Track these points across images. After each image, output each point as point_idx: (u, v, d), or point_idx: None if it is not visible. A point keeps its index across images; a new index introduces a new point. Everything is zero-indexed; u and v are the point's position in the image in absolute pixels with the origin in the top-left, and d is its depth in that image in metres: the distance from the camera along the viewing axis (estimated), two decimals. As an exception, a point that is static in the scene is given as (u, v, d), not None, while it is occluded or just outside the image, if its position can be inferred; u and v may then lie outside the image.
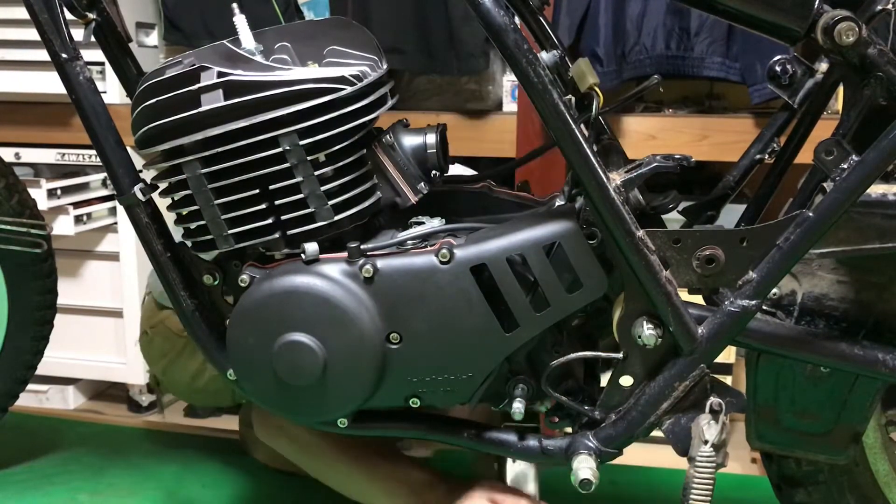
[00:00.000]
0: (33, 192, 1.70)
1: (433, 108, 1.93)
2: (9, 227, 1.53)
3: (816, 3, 0.97)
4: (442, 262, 1.01)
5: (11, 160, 2.00)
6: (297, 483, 1.70)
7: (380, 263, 1.02)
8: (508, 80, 1.91)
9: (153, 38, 2.12)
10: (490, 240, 1.02)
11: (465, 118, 1.90)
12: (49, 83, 1.84)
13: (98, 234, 2.05)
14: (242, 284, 1.06)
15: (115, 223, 2.05)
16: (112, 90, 1.90)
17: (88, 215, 2.01)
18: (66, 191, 1.96)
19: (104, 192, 2.07)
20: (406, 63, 1.91)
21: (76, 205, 1.96)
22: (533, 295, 1.03)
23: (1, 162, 1.58)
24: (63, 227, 1.94)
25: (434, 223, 1.10)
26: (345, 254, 1.03)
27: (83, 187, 2.03)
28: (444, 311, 1.02)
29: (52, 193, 1.91)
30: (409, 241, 1.07)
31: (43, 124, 2.00)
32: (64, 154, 2.03)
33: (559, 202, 1.09)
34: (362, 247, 1.04)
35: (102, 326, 2.08)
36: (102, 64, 1.87)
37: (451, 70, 1.86)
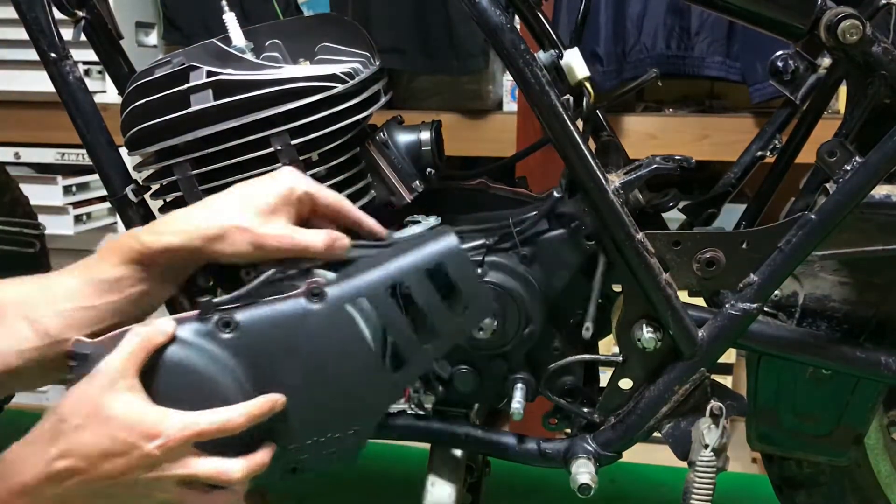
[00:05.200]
0: (48, 189, 1.69)
1: (433, 107, 1.93)
2: (0, 227, 1.52)
3: (819, 0, 0.95)
4: (313, 304, 0.88)
5: (11, 160, 2.00)
6: (296, 481, 1.70)
7: (239, 316, 0.88)
8: (508, 80, 1.91)
9: (153, 38, 2.11)
10: (366, 272, 0.91)
11: (464, 118, 1.89)
12: (49, 83, 1.83)
13: (98, 234, 2.05)
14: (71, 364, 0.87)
15: (115, 223, 2.04)
16: (112, 90, 1.89)
17: (88, 215, 2.01)
18: (68, 190, 1.96)
19: (104, 192, 2.06)
20: (406, 63, 1.90)
21: (76, 205, 1.96)
22: (421, 325, 0.93)
23: (-7, 160, 1.57)
24: (63, 226, 1.93)
25: (430, 221, 1.09)
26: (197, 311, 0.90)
27: (83, 187, 2.02)
28: (321, 359, 0.90)
29: (67, 190, 1.92)
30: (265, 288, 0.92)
31: (43, 124, 2.00)
32: (64, 154, 2.02)
33: (556, 195, 1.07)
34: (214, 300, 0.89)
35: (102, 327, 2.07)
36: (103, 64, 1.87)
37: (450, 70, 1.85)
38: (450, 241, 0.91)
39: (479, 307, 0.93)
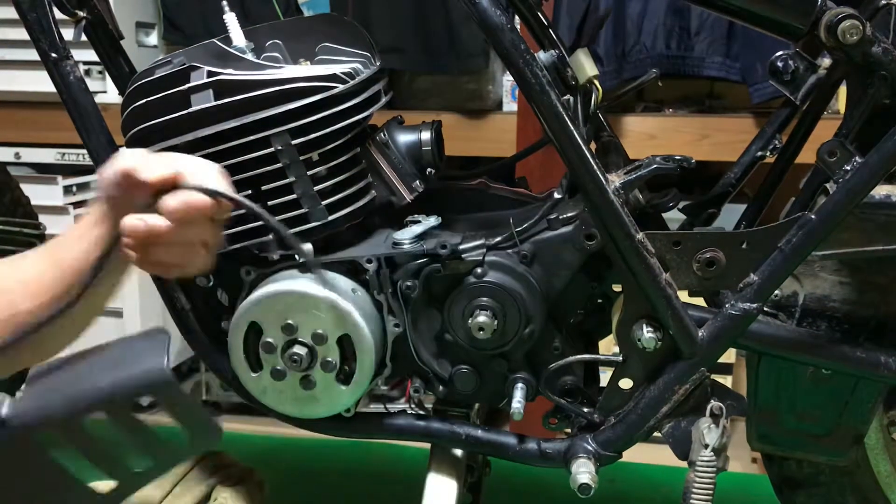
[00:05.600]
0: (48, 189, 1.68)
1: (433, 107, 1.93)
2: (1, 227, 1.52)
3: (819, 0, 0.95)
4: None
5: (11, 160, 2.00)
6: (297, 480, 1.70)
7: None
8: (508, 80, 1.91)
9: (153, 38, 2.11)
10: (58, 394, 0.79)
11: (464, 118, 1.89)
12: (49, 83, 1.84)
13: (98, 235, 2.04)
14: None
15: (115, 223, 2.04)
16: (112, 90, 1.89)
17: (89, 215, 2.00)
18: (68, 190, 1.96)
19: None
20: (406, 63, 1.90)
21: (76, 205, 1.96)
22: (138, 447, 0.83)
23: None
24: (63, 227, 1.93)
25: (430, 221, 1.09)
26: None
27: (83, 187, 2.02)
28: (6, 490, 0.79)
29: (68, 190, 1.92)
30: None
31: (43, 124, 2.00)
32: (64, 154, 2.02)
33: (557, 195, 1.07)
34: None
35: (102, 326, 2.04)
36: (105, 64, 1.88)
37: (450, 69, 1.86)
38: (155, 365, 0.77)
39: (201, 434, 0.81)
